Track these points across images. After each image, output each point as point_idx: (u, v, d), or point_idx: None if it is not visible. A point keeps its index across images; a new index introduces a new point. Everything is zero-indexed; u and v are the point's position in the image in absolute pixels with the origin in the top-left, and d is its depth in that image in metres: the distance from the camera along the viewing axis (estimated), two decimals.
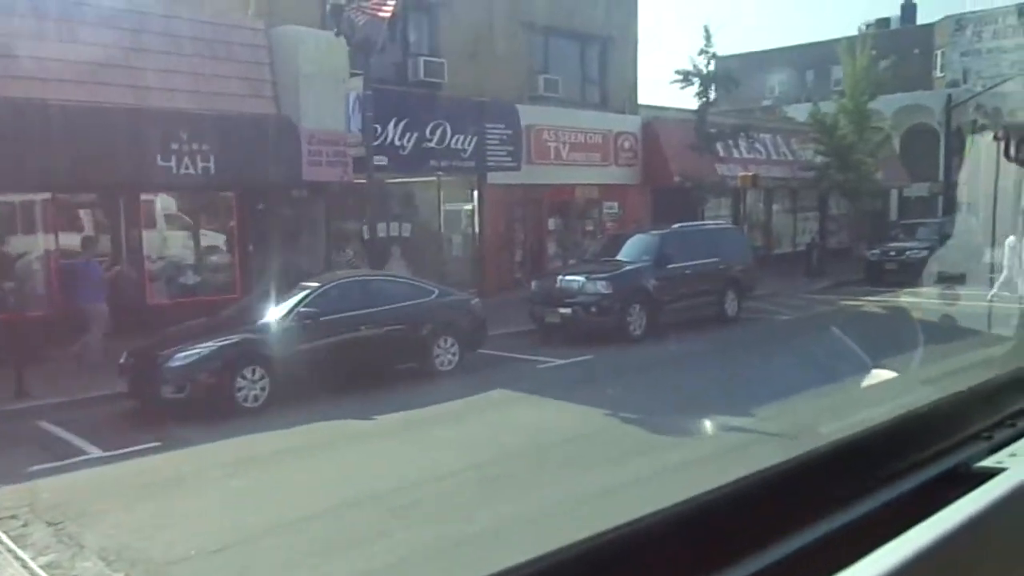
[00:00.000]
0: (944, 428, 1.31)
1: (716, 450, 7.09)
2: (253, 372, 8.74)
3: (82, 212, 13.22)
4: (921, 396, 1.43)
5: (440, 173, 16.45)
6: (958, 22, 40.69)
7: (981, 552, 1.07)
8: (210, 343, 8.73)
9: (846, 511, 1.05)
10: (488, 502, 5.87)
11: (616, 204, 20.41)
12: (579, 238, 19.55)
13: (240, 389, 8.64)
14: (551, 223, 19.38)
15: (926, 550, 0.94)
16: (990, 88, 28.43)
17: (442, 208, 17.38)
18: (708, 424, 7.93)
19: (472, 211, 17.65)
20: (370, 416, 8.47)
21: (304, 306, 9.40)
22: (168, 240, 13.86)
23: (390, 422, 8.29)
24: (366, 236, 15.27)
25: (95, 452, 7.45)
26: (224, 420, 8.32)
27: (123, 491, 6.51)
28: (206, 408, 8.51)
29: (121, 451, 7.41)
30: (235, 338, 8.88)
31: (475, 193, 17.46)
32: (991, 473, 1.18)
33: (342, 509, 5.72)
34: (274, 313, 9.35)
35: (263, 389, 8.78)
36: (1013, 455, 1.26)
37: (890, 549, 0.93)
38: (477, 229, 17.70)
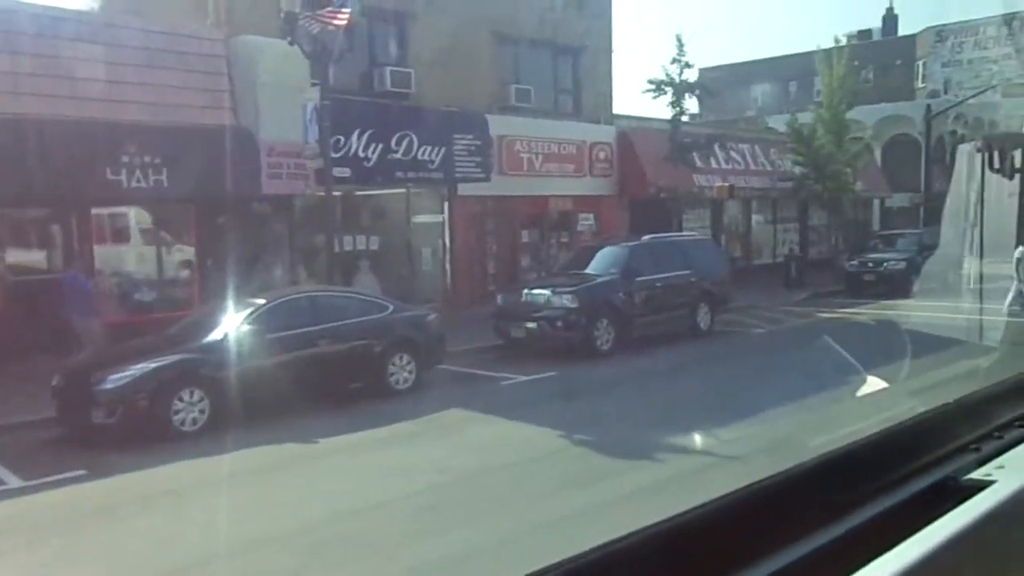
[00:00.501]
0: (932, 440, 1.29)
1: (678, 472, 6.71)
2: (191, 394, 8.32)
3: (32, 227, 12.82)
4: (906, 409, 1.42)
5: (409, 185, 16.11)
6: (939, 33, 40.80)
7: (971, 565, 1.05)
8: (145, 364, 8.30)
9: (834, 526, 1.03)
10: (420, 535, 5.48)
11: (592, 216, 20.09)
12: (554, 250, 19.22)
13: (177, 412, 8.22)
14: (524, 235, 19.03)
15: (916, 564, 0.93)
16: (967, 99, 28.35)
17: (411, 220, 17.00)
18: (671, 444, 7.57)
19: (442, 223, 17.28)
20: (314, 439, 8.07)
21: (248, 323, 8.99)
22: (124, 255, 13.44)
23: (334, 445, 7.89)
24: (333, 250, 14.95)
25: (14, 482, 7.00)
26: (159, 446, 7.89)
27: (34, 526, 6.08)
28: (140, 433, 8.08)
29: (42, 480, 6.97)
30: (172, 358, 8.46)
31: (445, 205, 17.11)
32: (979, 486, 1.18)
33: (260, 545, 5.31)
34: (217, 331, 8.94)
35: (202, 412, 8.36)
36: (1001, 467, 1.25)
37: (880, 564, 0.92)
38: (448, 242, 17.32)
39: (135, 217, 13.51)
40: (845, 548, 0.99)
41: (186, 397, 8.29)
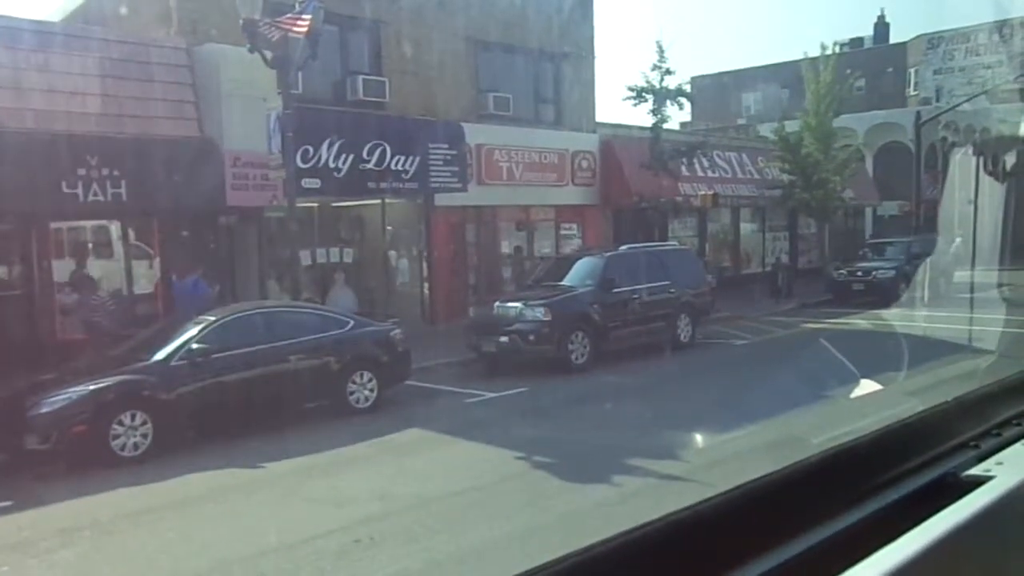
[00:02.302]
0: (932, 437, 1.32)
1: (632, 493, 6.30)
2: (132, 417, 7.91)
3: None
4: (907, 407, 1.41)
5: (383, 195, 15.74)
6: (931, 40, 40.58)
7: (971, 557, 1.08)
8: (83, 386, 7.91)
9: (838, 519, 1.05)
10: (347, 572, 5.08)
11: (574, 225, 19.75)
12: (536, 261, 18.83)
13: (117, 437, 7.81)
14: (505, 246, 18.66)
15: (918, 557, 0.96)
16: (956, 106, 28.06)
17: (387, 231, 16.63)
18: (634, 465, 7.17)
19: (419, 234, 16.91)
20: (259, 464, 7.67)
21: (197, 341, 8.60)
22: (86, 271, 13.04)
23: (279, 471, 7.48)
24: (306, 263, 14.59)
25: None
26: (96, 473, 7.50)
27: None
28: (77, 459, 7.68)
29: None
30: (111, 380, 8.05)
31: (422, 215, 16.75)
32: (979, 481, 1.21)
33: None
34: (163, 351, 8.54)
35: (144, 436, 7.95)
36: (1000, 463, 1.28)
37: (882, 556, 0.95)
38: (425, 253, 16.94)
39: (91, 232, 13.13)
40: (849, 541, 1.01)
41: (127, 421, 7.88)
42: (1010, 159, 20.68)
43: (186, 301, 11.35)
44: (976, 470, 1.27)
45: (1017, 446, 1.37)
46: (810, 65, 22.56)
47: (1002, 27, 35.66)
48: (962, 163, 23.94)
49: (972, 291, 16.15)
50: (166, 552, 5.52)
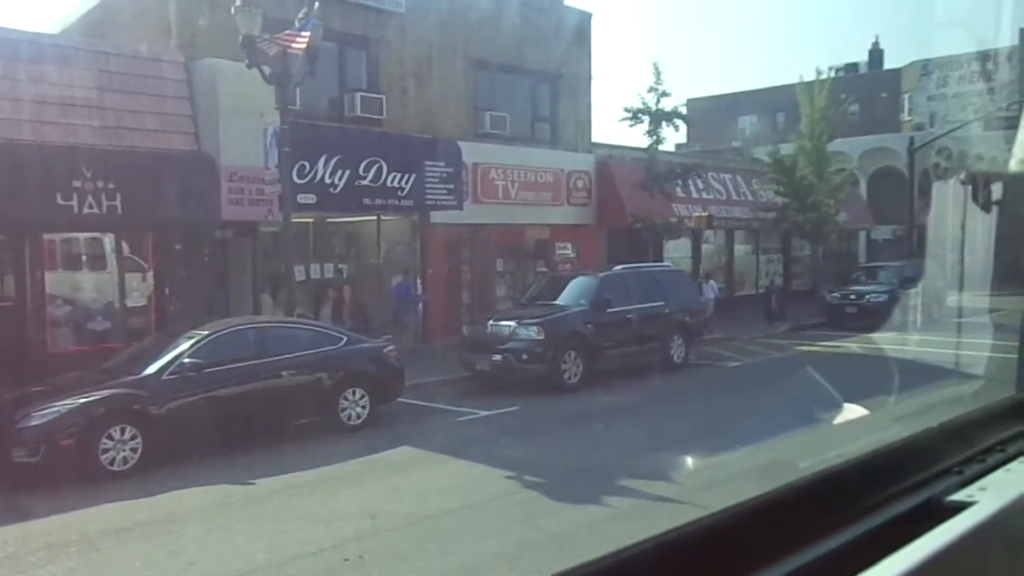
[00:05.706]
0: (917, 463, 1.34)
1: (622, 514, 6.27)
2: (122, 431, 7.86)
3: None
4: (893, 433, 1.43)
5: (379, 212, 15.77)
6: (924, 67, 40.96)
7: None
8: (72, 400, 7.85)
9: (820, 543, 1.05)
10: None
11: (569, 245, 19.77)
12: (530, 280, 18.84)
13: (106, 451, 7.76)
14: (500, 264, 18.68)
15: None
16: (948, 132, 28.35)
17: (382, 248, 16.64)
18: (627, 485, 7.14)
19: (415, 251, 16.91)
20: (249, 480, 7.62)
21: (188, 356, 8.56)
22: (79, 283, 13.01)
23: (269, 487, 7.43)
24: (300, 278, 14.56)
25: None
26: (84, 487, 7.43)
27: None
28: (66, 473, 7.60)
29: None
30: (101, 393, 8.00)
31: (417, 233, 16.77)
32: (962, 506, 1.22)
33: None
34: (153, 364, 8.50)
35: (134, 451, 7.90)
36: (983, 489, 1.30)
37: None
38: (420, 270, 16.94)
39: (85, 244, 13.09)
40: (830, 565, 1.01)
41: (116, 435, 7.83)
42: (996, 190, 20.86)
43: (403, 297, 15.12)
44: (959, 496, 1.27)
45: (999, 472, 1.38)
46: (805, 89, 22.75)
47: (995, 55, 36.06)
48: (952, 191, 24.14)
49: (961, 315, 16.22)
50: (154, 568, 5.47)
